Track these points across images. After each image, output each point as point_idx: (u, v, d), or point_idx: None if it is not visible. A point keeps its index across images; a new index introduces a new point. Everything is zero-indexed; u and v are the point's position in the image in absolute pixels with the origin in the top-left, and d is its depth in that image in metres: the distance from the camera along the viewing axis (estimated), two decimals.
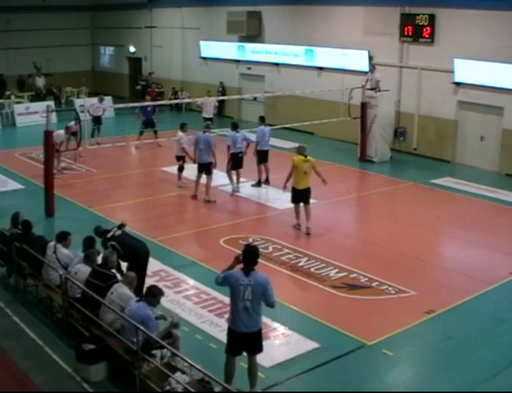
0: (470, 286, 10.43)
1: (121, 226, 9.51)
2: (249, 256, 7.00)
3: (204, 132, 15.01)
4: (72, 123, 16.59)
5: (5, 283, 10.26)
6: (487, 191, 16.12)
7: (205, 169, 14.87)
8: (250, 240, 12.28)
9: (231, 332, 7.10)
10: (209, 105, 21.02)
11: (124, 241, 9.15)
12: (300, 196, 12.81)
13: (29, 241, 9.72)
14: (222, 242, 12.23)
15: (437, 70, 19.02)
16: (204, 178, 14.94)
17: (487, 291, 10.27)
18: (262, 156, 16.06)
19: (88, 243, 9.09)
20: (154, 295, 7.57)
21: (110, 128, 21.31)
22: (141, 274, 8.95)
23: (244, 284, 6.87)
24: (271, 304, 7.05)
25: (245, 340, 7.05)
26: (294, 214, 13.09)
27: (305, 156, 12.71)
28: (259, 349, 7.18)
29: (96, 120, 20.33)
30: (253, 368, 7.23)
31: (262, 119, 16.57)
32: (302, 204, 12.92)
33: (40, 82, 29.56)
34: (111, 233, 9.25)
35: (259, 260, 10.29)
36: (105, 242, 9.19)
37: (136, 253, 9.15)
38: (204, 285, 10.17)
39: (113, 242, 9.04)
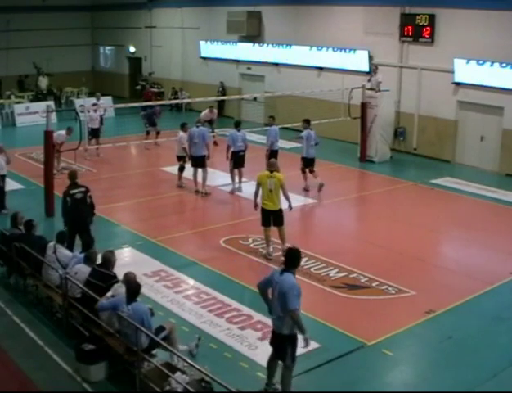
0: (470, 286, 10.43)
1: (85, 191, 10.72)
2: (290, 257, 6.99)
3: (198, 126, 15.44)
4: (63, 131, 16.58)
5: (5, 283, 10.26)
6: (487, 191, 16.11)
7: (200, 162, 15.31)
8: (250, 240, 12.31)
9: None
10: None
11: (75, 205, 10.44)
12: (270, 217, 11.28)
13: (29, 241, 9.73)
14: (222, 242, 12.22)
15: (437, 70, 19.01)
16: (199, 171, 15.33)
17: (487, 291, 10.27)
18: (274, 157, 15.11)
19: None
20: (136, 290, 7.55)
21: (110, 128, 21.32)
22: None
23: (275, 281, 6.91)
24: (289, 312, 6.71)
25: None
26: (294, 215, 12.79)
27: (271, 172, 11.19)
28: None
29: (93, 132, 19.18)
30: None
31: (274, 119, 16.49)
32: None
33: (43, 82, 29.39)
34: (75, 191, 10.48)
35: (260, 261, 10.25)
36: (65, 193, 10.57)
37: (75, 221, 10.45)
38: (204, 285, 10.18)
39: (68, 198, 10.47)
